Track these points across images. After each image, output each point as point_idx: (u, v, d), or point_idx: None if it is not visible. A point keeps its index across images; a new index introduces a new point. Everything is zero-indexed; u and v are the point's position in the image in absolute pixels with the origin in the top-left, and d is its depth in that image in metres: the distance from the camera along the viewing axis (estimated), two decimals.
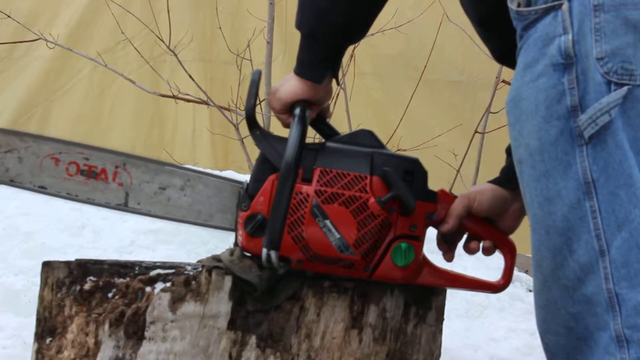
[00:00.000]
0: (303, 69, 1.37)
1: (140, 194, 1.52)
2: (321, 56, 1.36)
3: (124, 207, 1.52)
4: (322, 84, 1.39)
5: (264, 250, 1.32)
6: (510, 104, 1.16)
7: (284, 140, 1.35)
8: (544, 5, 1.10)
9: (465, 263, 2.80)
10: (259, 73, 1.41)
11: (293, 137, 1.33)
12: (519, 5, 1.15)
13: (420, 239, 1.38)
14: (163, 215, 1.53)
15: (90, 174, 1.51)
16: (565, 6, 1.08)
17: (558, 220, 1.09)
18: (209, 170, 1.65)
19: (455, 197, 1.43)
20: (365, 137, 1.41)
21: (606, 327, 1.07)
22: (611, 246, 1.06)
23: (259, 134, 1.39)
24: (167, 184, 1.53)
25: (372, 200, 1.33)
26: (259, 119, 3.98)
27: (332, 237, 1.34)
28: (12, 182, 1.51)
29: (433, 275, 1.43)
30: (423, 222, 1.38)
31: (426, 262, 1.42)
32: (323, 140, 1.44)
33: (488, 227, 1.45)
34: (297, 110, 1.36)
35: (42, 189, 1.50)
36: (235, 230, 1.42)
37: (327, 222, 1.34)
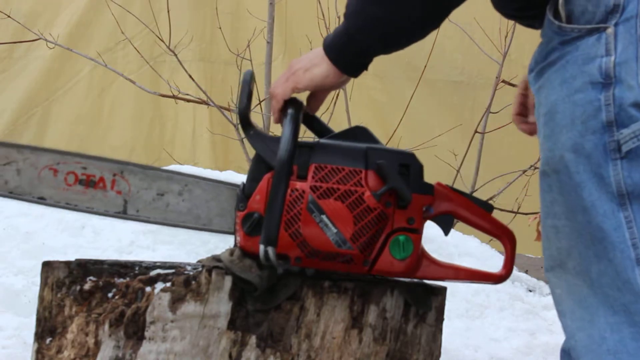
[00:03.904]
0: (343, 61, 1.35)
1: (138, 200, 1.53)
2: (365, 57, 1.36)
3: (123, 214, 1.53)
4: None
5: (261, 247, 1.32)
6: (545, 117, 1.20)
7: (278, 139, 1.35)
8: (588, 26, 1.14)
9: (465, 264, 2.81)
10: (251, 74, 1.41)
11: (286, 134, 1.34)
12: (555, 17, 1.18)
13: (418, 232, 1.38)
14: (162, 222, 1.53)
15: (88, 183, 1.52)
16: (610, 30, 1.12)
17: (594, 229, 1.12)
18: (206, 174, 1.66)
19: (452, 189, 1.43)
20: (360, 134, 1.42)
21: None
22: None
23: (253, 133, 1.39)
24: (165, 189, 1.53)
25: (367, 193, 1.33)
26: (259, 119, 3.99)
27: (329, 232, 1.34)
28: (11, 194, 1.51)
29: (433, 268, 1.43)
30: (420, 215, 1.38)
31: (425, 256, 1.42)
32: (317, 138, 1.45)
33: (486, 216, 1.45)
34: (290, 109, 1.37)
35: (41, 200, 1.51)
36: (234, 232, 1.43)
37: (324, 217, 1.34)
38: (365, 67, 1.38)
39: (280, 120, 1.40)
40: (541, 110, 1.21)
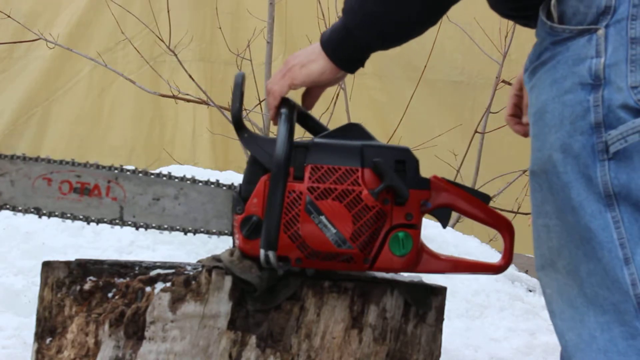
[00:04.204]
0: (341, 57, 1.35)
1: (134, 206, 1.53)
2: (363, 53, 1.35)
3: (119, 220, 1.53)
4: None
5: (262, 251, 1.32)
6: (535, 116, 1.21)
7: (272, 141, 1.35)
8: (579, 27, 1.14)
9: None
10: (242, 76, 1.41)
11: (281, 136, 1.34)
12: (548, 17, 1.19)
13: (417, 227, 1.39)
14: (160, 226, 1.53)
15: (83, 190, 1.52)
16: (601, 32, 1.12)
17: (583, 229, 1.13)
18: (205, 175, 1.66)
19: (448, 181, 1.43)
20: (354, 131, 1.42)
21: (636, 334, 1.09)
22: (635, 254, 1.09)
23: (247, 136, 1.39)
24: (160, 194, 1.53)
25: (365, 192, 1.33)
26: (259, 118, 3.99)
27: (329, 232, 1.34)
28: (5, 206, 1.51)
29: (433, 262, 1.43)
30: (418, 210, 1.38)
31: (425, 250, 1.42)
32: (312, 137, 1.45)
33: (484, 207, 1.45)
34: (284, 109, 1.36)
35: (37, 210, 1.51)
36: (232, 234, 1.43)
37: (322, 217, 1.34)
38: (362, 63, 1.37)
39: (276, 117, 1.40)
40: (532, 110, 1.22)
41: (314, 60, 1.37)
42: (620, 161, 1.10)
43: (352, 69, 1.37)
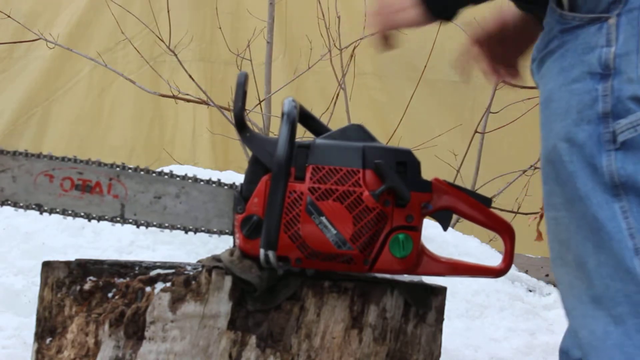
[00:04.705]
0: (438, 7, 1.28)
1: (136, 204, 1.53)
2: (458, 5, 1.27)
3: (121, 218, 1.53)
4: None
5: (262, 251, 1.33)
6: (542, 104, 1.19)
7: (274, 141, 1.35)
8: (590, 15, 1.13)
9: None
10: (245, 75, 1.41)
11: (283, 136, 1.34)
12: (558, 5, 1.17)
13: (417, 229, 1.39)
14: (161, 224, 1.53)
15: (85, 188, 1.52)
16: (612, 20, 1.11)
17: (591, 220, 1.11)
18: (205, 174, 1.66)
19: (449, 184, 1.43)
20: (356, 132, 1.42)
21: None
22: None
23: (249, 135, 1.39)
24: (162, 192, 1.53)
25: (366, 193, 1.34)
26: (259, 118, 4.00)
27: (329, 233, 1.35)
28: (6, 202, 1.51)
29: (433, 264, 1.43)
30: (419, 212, 1.38)
31: (425, 252, 1.43)
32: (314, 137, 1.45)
33: (485, 210, 1.45)
34: (286, 109, 1.37)
35: (38, 207, 1.51)
36: (233, 233, 1.43)
37: (323, 218, 1.34)
38: (451, 18, 1.30)
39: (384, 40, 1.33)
40: (540, 99, 1.21)
41: (408, 6, 1.28)
42: (628, 151, 1.09)
43: (450, 16, 1.29)
